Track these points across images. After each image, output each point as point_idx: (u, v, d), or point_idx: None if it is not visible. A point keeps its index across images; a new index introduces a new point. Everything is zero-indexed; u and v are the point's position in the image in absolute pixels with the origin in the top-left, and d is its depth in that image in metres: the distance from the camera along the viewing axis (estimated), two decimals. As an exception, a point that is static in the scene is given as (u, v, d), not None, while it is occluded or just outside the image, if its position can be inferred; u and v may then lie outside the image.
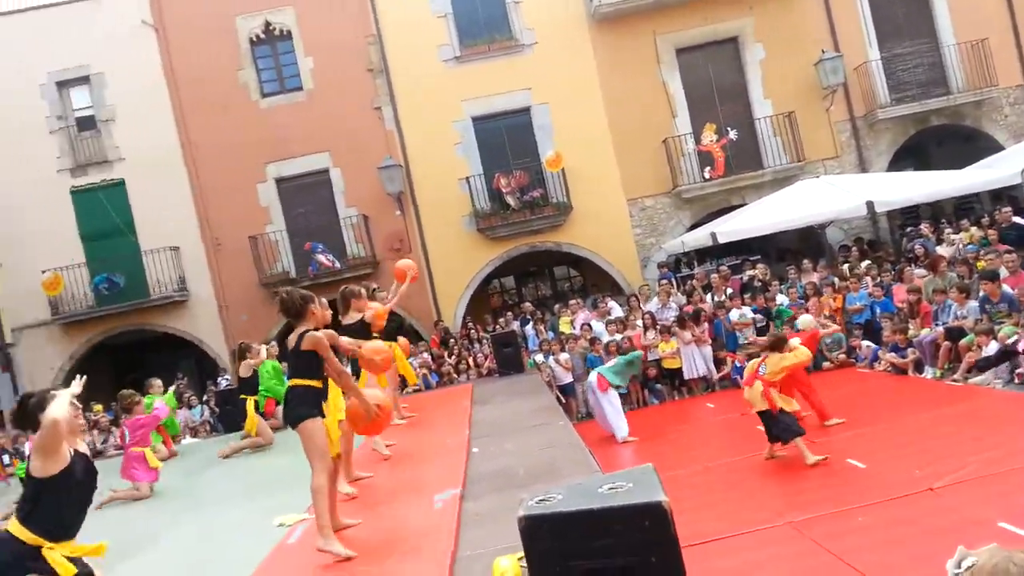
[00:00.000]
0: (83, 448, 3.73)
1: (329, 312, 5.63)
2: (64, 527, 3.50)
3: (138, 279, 16.53)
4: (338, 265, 16.20)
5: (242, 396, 9.45)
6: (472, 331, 15.09)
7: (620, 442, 10.02)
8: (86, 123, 16.95)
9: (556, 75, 16.44)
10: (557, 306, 15.36)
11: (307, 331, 4.63)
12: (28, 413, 3.60)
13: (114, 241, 16.60)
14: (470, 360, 13.53)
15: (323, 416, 4.67)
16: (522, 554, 3.78)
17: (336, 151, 16.69)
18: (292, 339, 4.69)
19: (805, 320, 10.09)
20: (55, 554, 3.39)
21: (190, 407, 14.08)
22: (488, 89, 16.51)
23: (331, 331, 4.93)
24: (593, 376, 10.58)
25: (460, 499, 5.18)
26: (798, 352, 7.92)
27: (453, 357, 13.83)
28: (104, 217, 16.58)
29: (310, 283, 15.18)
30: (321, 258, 16.19)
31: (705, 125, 16.31)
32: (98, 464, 10.42)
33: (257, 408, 9.55)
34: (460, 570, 3.91)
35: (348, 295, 7.06)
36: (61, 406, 3.40)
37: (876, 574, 4.88)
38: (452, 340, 14.67)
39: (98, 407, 13.90)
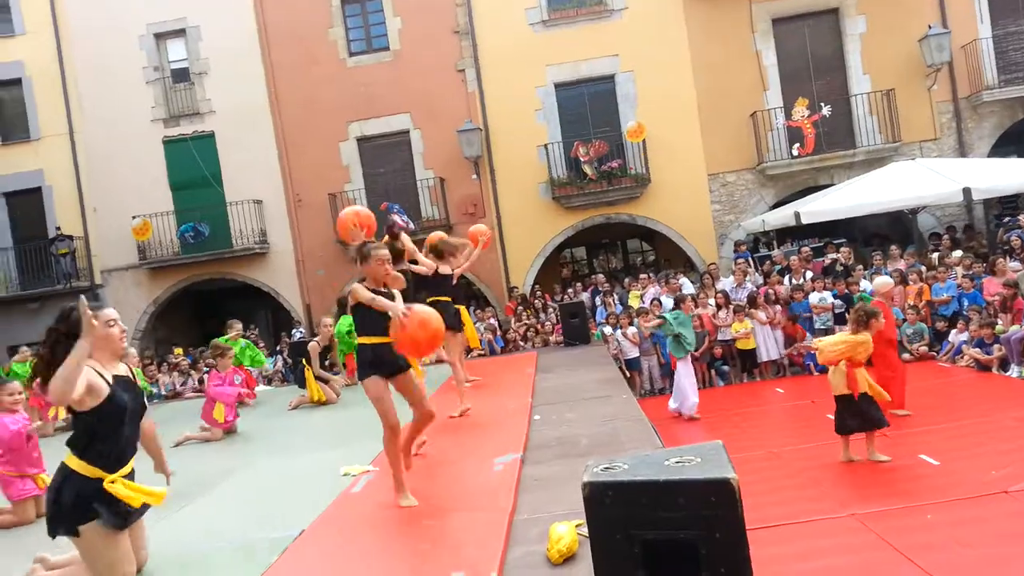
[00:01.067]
0: (123, 370, 3.63)
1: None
2: (121, 455, 3.51)
3: (222, 230, 17.10)
4: (412, 226, 16.29)
5: (304, 363, 9.63)
6: (540, 299, 15.10)
7: (686, 418, 9.92)
8: (180, 75, 17.50)
9: (645, 42, 16.08)
10: (627, 279, 15.20)
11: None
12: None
13: (201, 191, 17.18)
14: (537, 328, 13.55)
15: (385, 374, 4.65)
16: (579, 521, 3.80)
17: (417, 112, 16.79)
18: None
19: (882, 281, 9.57)
20: (118, 487, 3.40)
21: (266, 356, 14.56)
22: (574, 55, 16.29)
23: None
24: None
25: (520, 463, 5.20)
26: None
27: (520, 324, 13.87)
28: (193, 168, 17.16)
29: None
30: (396, 218, 16.17)
31: (797, 100, 15.72)
32: (175, 405, 10.93)
33: (327, 369, 9.87)
34: (517, 531, 3.93)
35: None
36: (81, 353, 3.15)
37: (941, 573, 4.70)
38: (521, 307, 14.71)
39: (178, 350, 14.52)
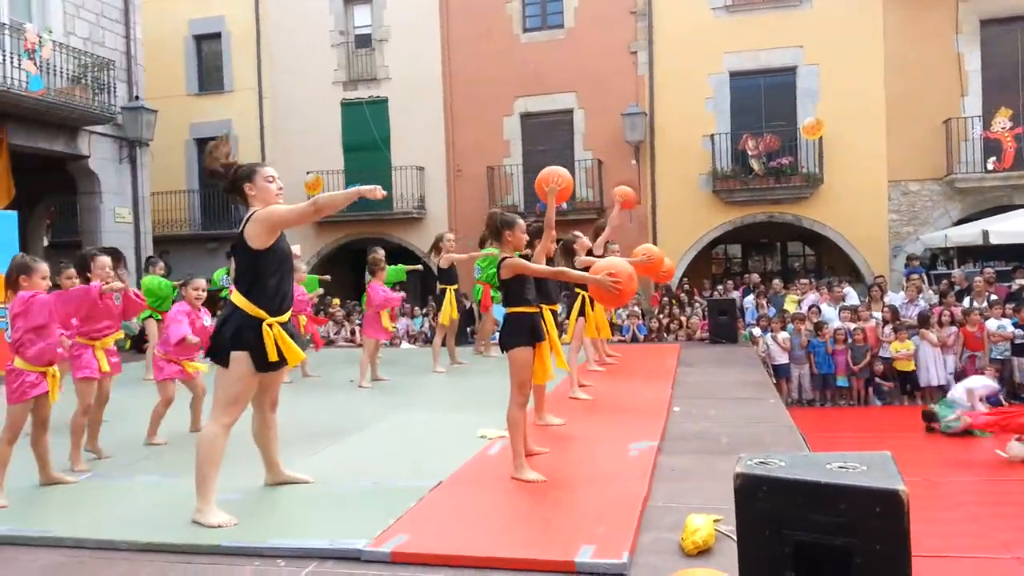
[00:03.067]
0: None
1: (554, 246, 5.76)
2: (279, 301, 3.93)
3: (385, 192, 17.80)
4: (565, 207, 16.35)
5: (441, 287, 9.54)
6: (688, 293, 14.73)
7: None
8: (363, 41, 18.34)
9: (834, 34, 15.16)
10: (775, 281, 14.42)
11: (504, 259, 4.64)
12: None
13: (370, 154, 17.99)
14: (683, 320, 13.23)
15: (534, 344, 4.66)
16: (718, 516, 3.67)
17: (583, 92, 16.73)
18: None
19: None
20: (273, 330, 3.84)
21: (412, 317, 15.12)
22: (754, 43, 15.64)
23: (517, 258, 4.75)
24: None
25: (656, 452, 5.09)
26: None
27: (665, 316, 13.60)
28: (365, 131, 17.98)
29: (535, 220, 15.52)
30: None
31: (999, 109, 14.33)
32: (330, 352, 11.38)
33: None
34: (650, 517, 3.85)
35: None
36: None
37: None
38: (668, 299, 14.43)
39: (336, 301, 15.33)
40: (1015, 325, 11.09)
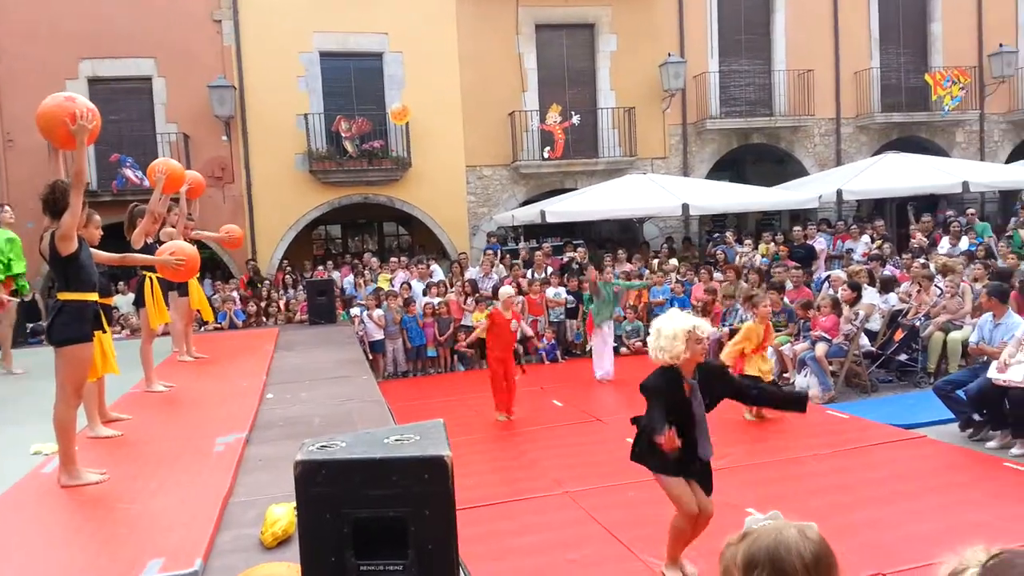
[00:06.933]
0: None
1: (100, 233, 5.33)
2: None
3: None
4: (147, 183, 14.91)
5: None
6: (289, 275, 14.57)
7: (598, 379, 10.78)
8: None
9: (415, 26, 16.03)
10: (372, 259, 15.02)
11: (54, 231, 4.21)
12: None
13: None
14: (280, 304, 13.05)
15: (93, 337, 4.29)
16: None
17: (163, 59, 15.35)
18: (45, 244, 4.25)
19: (505, 291, 10.15)
20: None
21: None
22: (343, 26, 15.81)
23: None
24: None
25: (244, 443, 4.98)
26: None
27: (263, 300, 13.27)
28: None
29: (113, 199, 13.95)
30: (129, 173, 14.88)
31: (552, 105, 16.60)
32: None
33: None
34: (231, 514, 3.76)
35: (138, 214, 6.60)
36: None
37: (636, 545, 5.25)
38: (263, 282, 14.09)
39: None
40: (567, 292, 13.09)
